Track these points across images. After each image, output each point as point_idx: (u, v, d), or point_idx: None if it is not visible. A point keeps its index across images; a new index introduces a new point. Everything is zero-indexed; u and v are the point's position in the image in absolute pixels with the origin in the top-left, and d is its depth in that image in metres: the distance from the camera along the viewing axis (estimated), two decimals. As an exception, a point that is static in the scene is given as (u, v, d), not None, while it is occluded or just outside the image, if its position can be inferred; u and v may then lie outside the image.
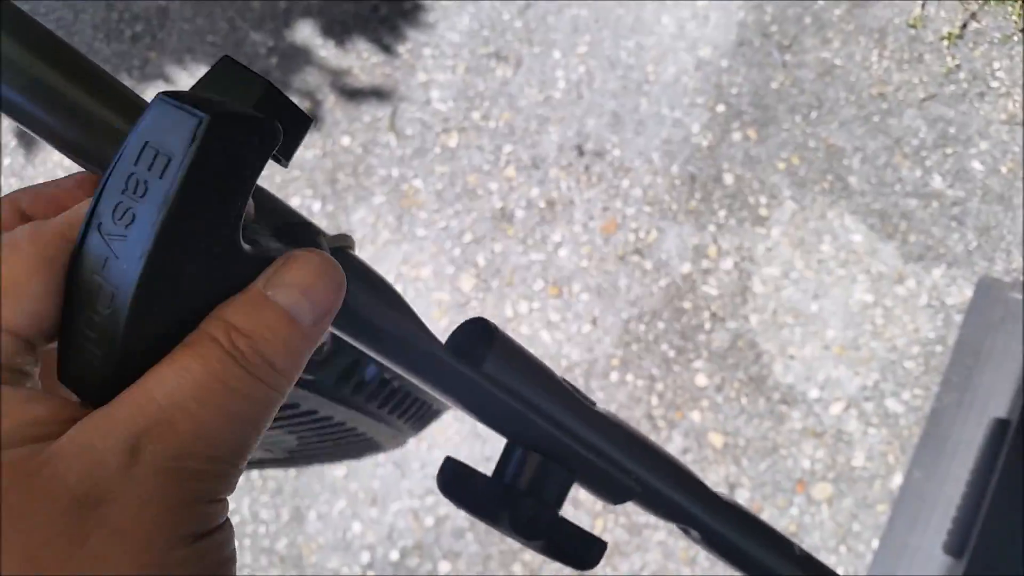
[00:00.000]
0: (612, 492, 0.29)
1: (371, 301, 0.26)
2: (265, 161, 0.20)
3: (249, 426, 0.19)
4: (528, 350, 0.28)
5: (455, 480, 0.28)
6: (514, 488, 0.27)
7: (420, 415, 0.45)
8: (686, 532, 0.32)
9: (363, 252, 1.54)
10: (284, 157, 0.22)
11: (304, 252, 0.21)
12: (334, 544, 1.36)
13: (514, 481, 0.27)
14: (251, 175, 0.20)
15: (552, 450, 0.27)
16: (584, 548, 0.28)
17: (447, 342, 0.27)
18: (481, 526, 1.32)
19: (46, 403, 0.18)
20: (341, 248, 0.26)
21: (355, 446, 0.49)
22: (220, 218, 0.19)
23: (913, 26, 1.54)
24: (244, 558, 1.35)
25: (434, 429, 1.40)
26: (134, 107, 0.23)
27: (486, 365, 0.26)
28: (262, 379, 0.19)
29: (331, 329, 0.25)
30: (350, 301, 0.25)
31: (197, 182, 0.18)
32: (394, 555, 1.34)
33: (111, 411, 0.18)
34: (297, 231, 0.24)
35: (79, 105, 0.22)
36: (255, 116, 0.20)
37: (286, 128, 0.21)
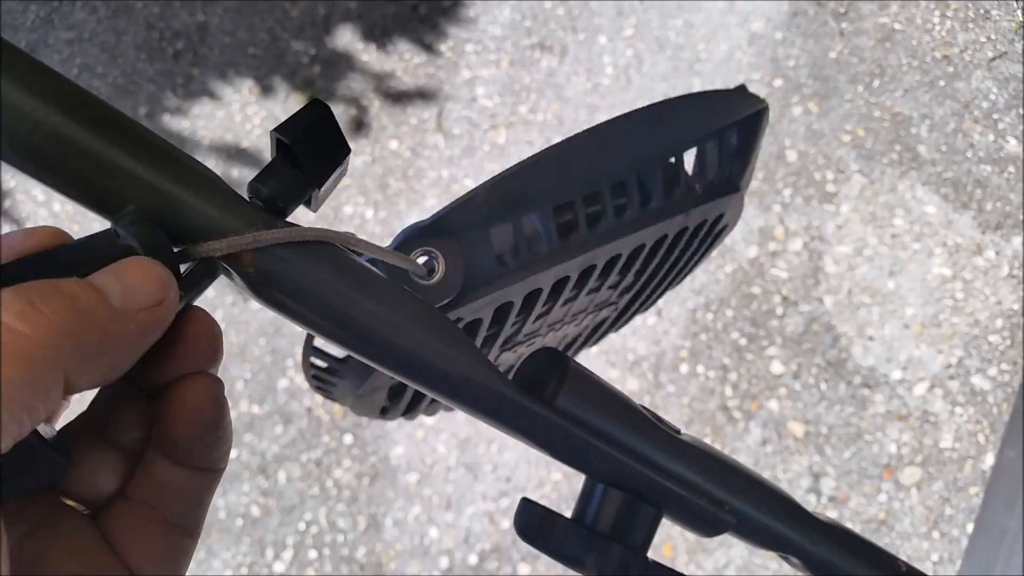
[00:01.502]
0: (704, 525, 0.27)
1: (418, 329, 0.23)
2: None
3: None
4: (602, 379, 0.26)
5: (533, 525, 0.27)
6: (597, 531, 0.25)
7: None
8: (786, 560, 0.30)
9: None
10: (317, 186, 0.22)
11: (136, 258, 0.19)
12: (412, 550, 1.36)
13: (596, 522, 0.25)
14: None
15: (636, 486, 0.25)
16: None
17: (514, 377, 0.25)
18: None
19: None
20: (321, 243, 0.22)
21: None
22: None
23: (977, -19, 1.47)
24: (325, 567, 1.36)
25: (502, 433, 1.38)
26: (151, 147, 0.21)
27: (559, 401, 0.25)
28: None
29: (368, 362, 0.23)
30: (388, 332, 0.22)
31: None
32: (472, 559, 1.34)
33: None
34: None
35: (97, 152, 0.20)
36: None
37: (319, 151, 0.22)
